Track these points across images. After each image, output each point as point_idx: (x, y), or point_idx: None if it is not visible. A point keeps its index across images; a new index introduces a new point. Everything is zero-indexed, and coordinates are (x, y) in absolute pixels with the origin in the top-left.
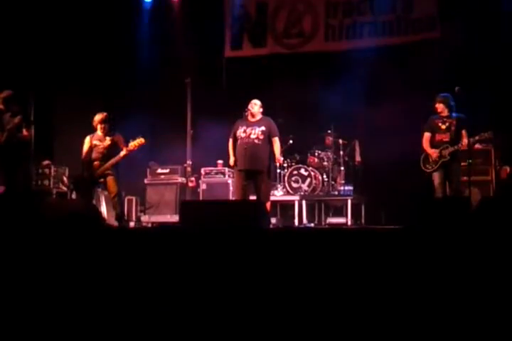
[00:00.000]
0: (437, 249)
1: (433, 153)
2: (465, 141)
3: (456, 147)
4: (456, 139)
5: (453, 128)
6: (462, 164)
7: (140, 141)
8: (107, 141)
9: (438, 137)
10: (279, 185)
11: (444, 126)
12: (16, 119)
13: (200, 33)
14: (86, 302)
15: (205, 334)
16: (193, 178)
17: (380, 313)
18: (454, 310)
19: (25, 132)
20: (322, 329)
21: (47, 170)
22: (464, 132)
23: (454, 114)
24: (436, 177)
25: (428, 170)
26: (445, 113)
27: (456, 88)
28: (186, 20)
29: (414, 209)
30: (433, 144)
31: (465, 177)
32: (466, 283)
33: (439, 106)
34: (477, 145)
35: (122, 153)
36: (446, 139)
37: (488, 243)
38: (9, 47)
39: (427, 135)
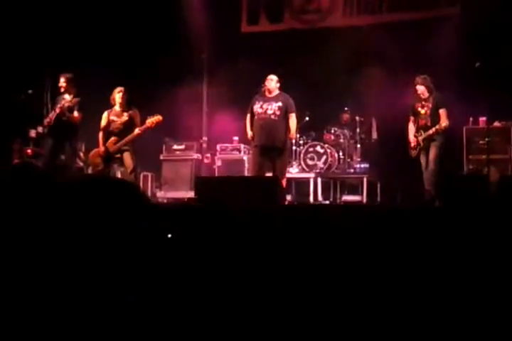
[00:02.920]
0: (455, 227)
1: (412, 141)
2: (439, 125)
3: (428, 133)
4: (434, 121)
5: (429, 112)
6: (480, 142)
7: (157, 118)
8: (125, 116)
9: (420, 122)
10: (294, 162)
11: (423, 111)
12: (72, 100)
13: (216, 8)
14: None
15: (218, 312)
16: (208, 154)
17: (395, 292)
18: (472, 290)
19: (76, 114)
20: (335, 307)
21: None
22: (442, 111)
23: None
24: (422, 160)
25: (412, 156)
26: (425, 95)
27: (477, 63)
28: None
29: (432, 186)
30: (418, 128)
31: (483, 156)
32: (484, 262)
33: (419, 88)
34: (496, 124)
35: (137, 131)
36: (428, 123)
37: (507, 222)
38: (28, 24)
39: (411, 119)
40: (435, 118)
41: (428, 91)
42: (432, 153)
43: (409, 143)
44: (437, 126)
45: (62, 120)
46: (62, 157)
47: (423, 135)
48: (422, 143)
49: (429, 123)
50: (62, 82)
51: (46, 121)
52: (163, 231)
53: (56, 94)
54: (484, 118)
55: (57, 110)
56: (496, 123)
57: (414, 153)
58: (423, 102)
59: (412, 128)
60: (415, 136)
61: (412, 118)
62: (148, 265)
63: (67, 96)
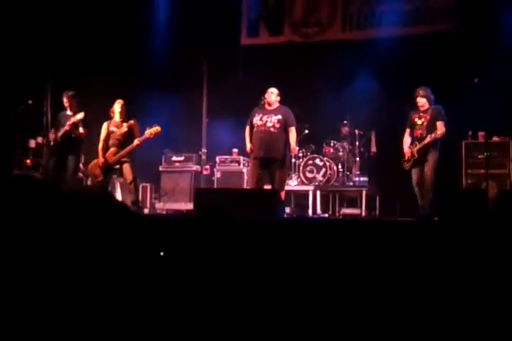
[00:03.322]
0: (453, 241)
1: (406, 153)
2: (434, 134)
3: (423, 143)
4: (431, 133)
5: (426, 123)
6: (479, 157)
7: (156, 129)
8: (124, 127)
9: (416, 133)
10: (293, 175)
11: (420, 122)
12: (78, 117)
13: (216, 20)
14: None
15: (215, 323)
16: (207, 166)
17: (392, 305)
18: (470, 303)
19: (81, 130)
20: (332, 319)
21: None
22: (438, 124)
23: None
24: (414, 174)
25: (405, 168)
26: (425, 107)
27: (476, 78)
28: (203, 7)
29: (429, 202)
30: (413, 140)
31: (482, 170)
32: (482, 275)
33: (421, 101)
34: (495, 138)
35: (136, 142)
36: (424, 134)
37: (505, 237)
38: (26, 29)
39: (407, 131)
40: (432, 129)
41: (429, 104)
42: (428, 168)
43: (404, 154)
44: (433, 134)
45: (70, 136)
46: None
47: (418, 146)
48: (416, 155)
49: (424, 135)
50: (65, 101)
51: (51, 138)
52: (149, 242)
53: (56, 106)
54: (483, 133)
55: (68, 127)
56: (495, 138)
57: (407, 165)
58: (421, 113)
59: (407, 140)
60: (410, 148)
61: (408, 130)
62: (136, 275)
63: (68, 113)
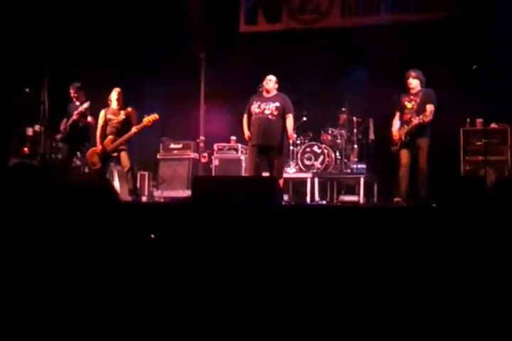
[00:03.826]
0: (451, 228)
1: (394, 136)
2: (423, 116)
3: (410, 126)
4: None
5: (415, 107)
6: (477, 143)
7: (154, 116)
8: (122, 115)
9: (405, 117)
10: (291, 162)
11: (410, 105)
12: (84, 106)
13: (215, 7)
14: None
15: (214, 311)
16: (205, 154)
17: (392, 292)
18: (467, 290)
19: (89, 118)
20: (330, 308)
21: (60, 144)
22: (428, 106)
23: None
24: (402, 156)
25: (392, 151)
26: (417, 89)
27: (474, 66)
28: None
29: (429, 188)
30: (401, 124)
31: (480, 157)
32: (481, 263)
33: (413, 82)
34: (493, 125)
35: (133, 130)
36: (413, 118)
37: (503, 224)
38: (23, 19)
39: (396, 115)
40: (421, 113)
41: (420, 86)
42: (422, 158)
43: (392, 138)
44: (421, 116)
45: (78, 126)
46: (59, 156)
47: (406, 128)
48: (403, 138)
49: (413, 119)
50: (72, 93)
51: (62, 128)
52: (137, 229)
53: (53, 95)
54: (481, 120)
55: (75, 117)
56: (493, 125)
57: (394, 148)
58: (411, 96)
59: (396, 123)
60: (398, 131)
61: (397, 113)
62: (129, 265)
63: (77, 103)
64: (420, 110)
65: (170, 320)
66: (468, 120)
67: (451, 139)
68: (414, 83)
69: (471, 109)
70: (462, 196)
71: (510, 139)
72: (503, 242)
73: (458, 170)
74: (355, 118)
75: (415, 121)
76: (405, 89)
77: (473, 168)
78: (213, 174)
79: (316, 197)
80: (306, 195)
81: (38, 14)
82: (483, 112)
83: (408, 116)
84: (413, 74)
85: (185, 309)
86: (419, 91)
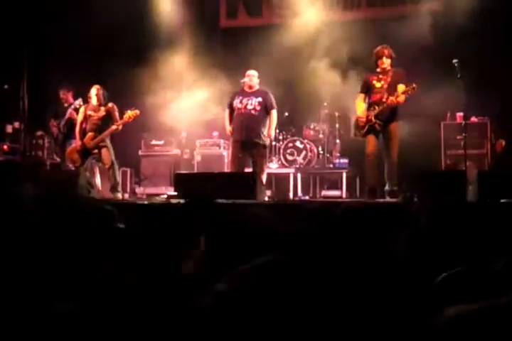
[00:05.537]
0: (432, 222)
1: (360, 118)
2: (395, 97)
3: (382, 107)
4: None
5: (386, 86)
6: (458, 137)
7: (135, 112)
8: (102, 111)
9: (374, 97)
10: (274, 158)
11: (379, 84)
12: (77, 102)
13: (195, 2)
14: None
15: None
16: (187, 150)
17: (375, 287)
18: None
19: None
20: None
21: (40, 141)
22: (400, 86)
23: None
24: (369, 143)
25: (356, 136)
26: (388, 67)
27: (455, 60)
28: None
29: (409, 182)
30: (369, 105)
31: (461, 151)
32: (463, 256)
33: (386, 62)
34: (473, 119)
35: (114, 126)
36: (383, 98)
37: (484, 218)
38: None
39: (361, 96)
40: (393, 93)
41: (391, 65)
42: (393, 143)
43: (358, 119)
44: (394, 97)
45: (73, 125)
46: (39, 153)
47: (377, 109)
48: (373, 120)
49: (384, 99)
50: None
51: (54, 131)
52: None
53: (32, 91)
54: (461, 114)
55: (69, 115)
56: (473, 119)
57: (361, 132)
58: (380, 75)
59: (361, 104)
60: (366, 112)
61: (361, 95)
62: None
63: (66, 105)
64: (391, 90)
65: (160, 321)
66: (448, 114)
67: (431, 133)
68: (387, 63)
69: (452, 103)
70: (443, 190)
71: (490, 133)
72: (483, 236)
73: (439, 164)
74: (336, 114)
75: (389, 101)
76: (373, 68)
77: (455, 162)
78: (196, 170)
79: (299, 193)
80: (288, 190)
81: (16, 10)
82: (464, 106)
83: (378, 96)
84: (386, 52)
85: (179, 308)
86: (389, 70)
